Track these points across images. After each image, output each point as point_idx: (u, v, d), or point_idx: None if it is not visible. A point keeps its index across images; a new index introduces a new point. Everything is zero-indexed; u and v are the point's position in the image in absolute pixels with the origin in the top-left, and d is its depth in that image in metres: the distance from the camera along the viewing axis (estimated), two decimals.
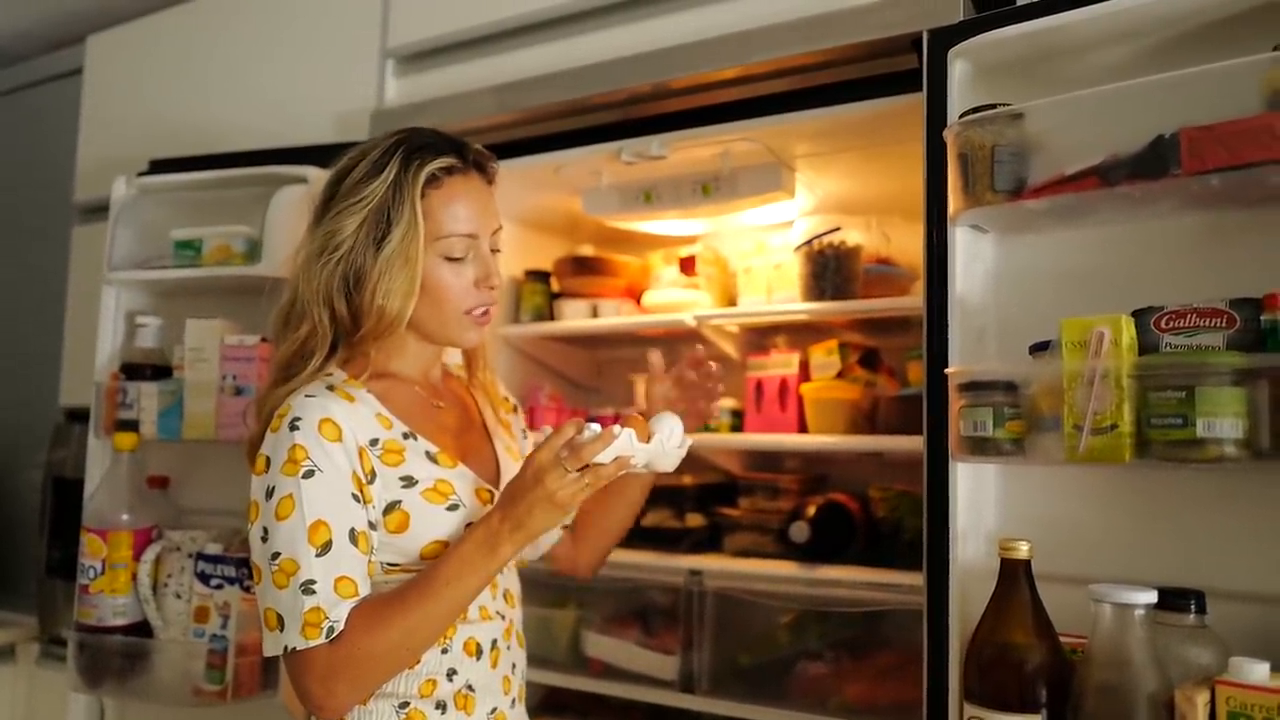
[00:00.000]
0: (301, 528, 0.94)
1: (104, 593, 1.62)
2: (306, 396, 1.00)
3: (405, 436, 1.04)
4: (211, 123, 2.07)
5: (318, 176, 1.73)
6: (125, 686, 1.64)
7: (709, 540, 1.76)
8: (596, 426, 0.97)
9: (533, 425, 1.90)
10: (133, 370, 1.78)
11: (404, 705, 1.01)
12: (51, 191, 2.43)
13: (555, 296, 2.02)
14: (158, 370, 1.78)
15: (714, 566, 1.64)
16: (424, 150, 1.03)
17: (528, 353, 2.07)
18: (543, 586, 1.65)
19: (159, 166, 1.91)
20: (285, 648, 0.94)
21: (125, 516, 1.65)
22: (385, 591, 0.99)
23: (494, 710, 1.07)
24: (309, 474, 0.96)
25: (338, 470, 0.97)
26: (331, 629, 0.94)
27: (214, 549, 1.63)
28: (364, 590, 0.97)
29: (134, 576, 1.64)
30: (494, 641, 1.07)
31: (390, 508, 1.01)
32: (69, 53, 2.49)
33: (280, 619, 0.94)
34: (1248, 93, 0.96)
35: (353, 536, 0.97)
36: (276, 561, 0.95)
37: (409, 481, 1.02)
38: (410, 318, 1.04)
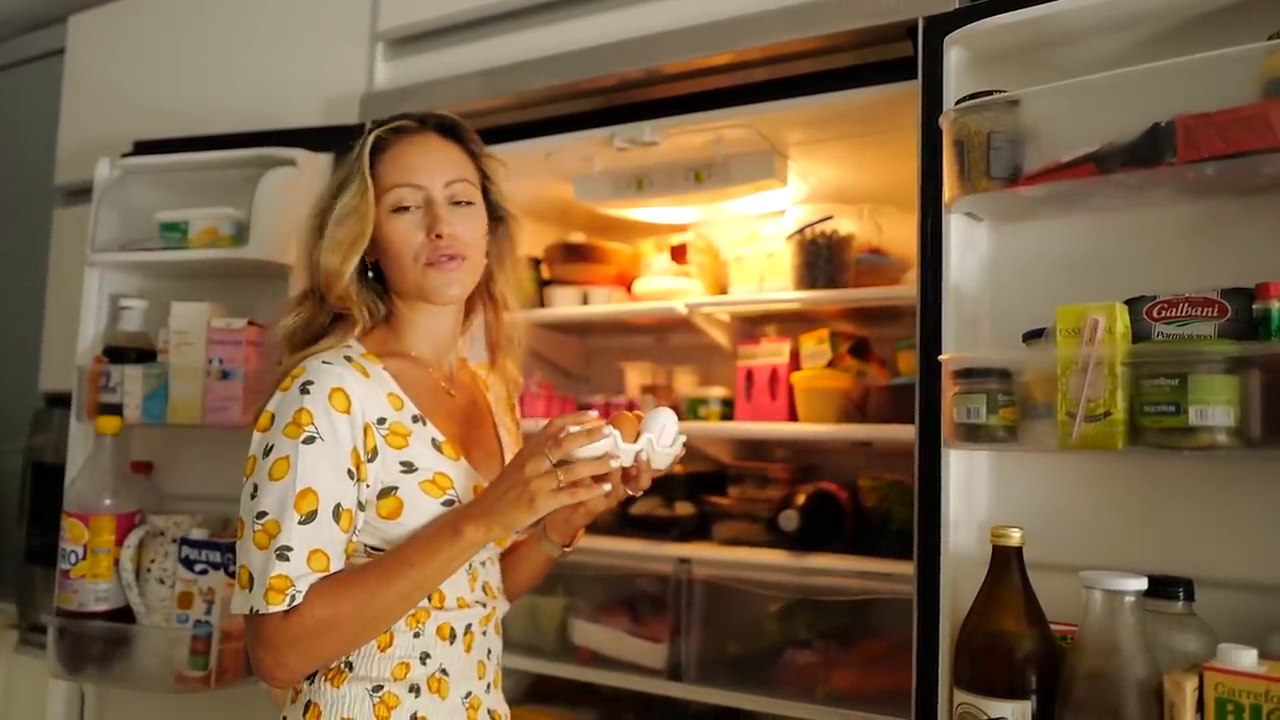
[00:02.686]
0: (291, 492, 0.94)
1: (85, 578, 1.60)
2: (324, 363, 1.00)
3: (414, 420, 1.03)
4: (197, 105, 2.04)
5: (307, 159, 1.71)
6: (106, 673, 1.62)
7: (698, 529, 1.76)
8: (594, 413, 0.96)
9: (522, 414, 1.89)
10: (116, 353, 1.76)
11: (378, 689, 1.00)
12: (32, 174, 2.39)
13: (545, 284, 2.01)
14: (142, 354, 1.75)
15: (703, 555, 1.64)
16: (383, 123, 1.10)
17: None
18: None
19: (143, 148, 1.88)
20: (250, 609, 0.93)
21: (108, 501, 1.63)
22: (348, 568, 0.98)
23: (468, 695, 1.06)
24: (309, 440, 0.95)
25: (338, 442, 0.96)
26: (293, 598, 0.93)
27: (199, 534, 1.62)
28: (335, 567, 0.96)
29: (116, 562, 1.62)
30: (468, 627, 1.07)
31: (386, 492, 1.00)
32: (50, 32, 2.45)
33: (252, 578, 0.94)
34: (1243, 81, 0.96)
35: (336, 512, 0.96)
36: (261, 521, 0.94)
37: (409, 467, 1.01)
38: (391, 283, 1.09)
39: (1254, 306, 0.96)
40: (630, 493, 1.04)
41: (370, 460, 0.99)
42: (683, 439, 1.05)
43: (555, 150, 1.67)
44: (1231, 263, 1.04)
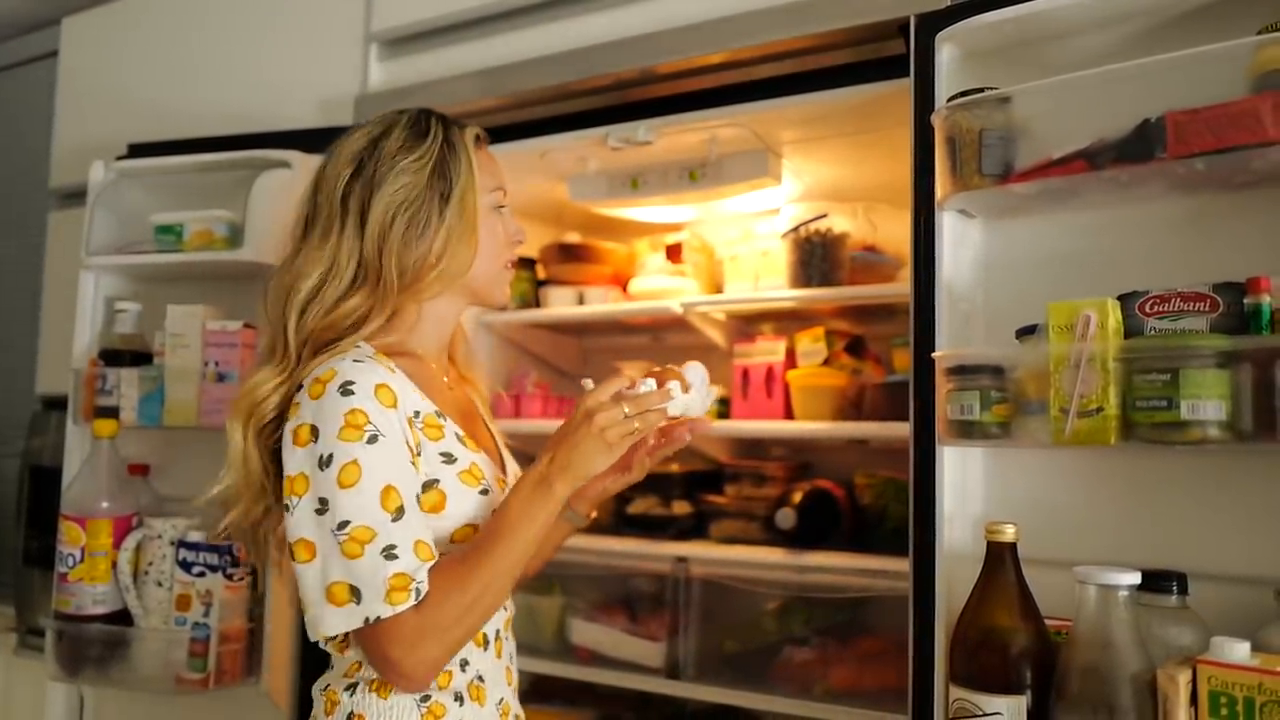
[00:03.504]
0: (373, 494, 0.91)
1: (83, 581, 1.60)
2: (355, 361, 0.96)
3: (437, 414, 1.02)
4: (191, 107, 2.04)
5: (301, 161, 1.71)
6: (105, 675, 1.62)
7: (695, 527, 1.76)
8: (651, 382, 1.01)
9: (517, 413, 1.89)
10: (112, 356, 1.76)
11: (425, 698, 0.98)
12: (28, 177, 2.39)
13: (541, 284, 2.01)
14: (138, 356, 1.75)
15: (700, 553, 1.65)
16: (454, 121, 1.08)
17: (514, 340, 2.06)
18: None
19: (138, 151, 1.88)
20: (367, 619, 0.89)
21: (105, 504, 1.63)
22: (451, 553, 0.97)
23: (500, 700, 1.05)
24: (373, 439, 0.92)
25: (397, 437, 0.94)
26: (418, 591, 0.91)
27: (196, 537, 1.62)
28: (436, 555, 0.95)
29: (114, 564, 1.62)
30: (497, 632, 1.06)
31: (429, 485, 0.98)
32: (44, 35, 2.44)
33: (355, 590, 0.89)
34: (1232, 77, 0.97)
35: (417, 503, 0.95)
36: (344, 531, 0.90)
37: (449, 458, 1.00)
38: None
39: (1245, 301, 0.96)
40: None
41: (417, 454, 0.97)
42: (715, 390, 1.10)
43: (550, 150, 1.67)
44: (1223, 257, 1.04)
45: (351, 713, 0.97)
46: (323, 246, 1.01)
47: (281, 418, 0.98)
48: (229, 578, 1.59)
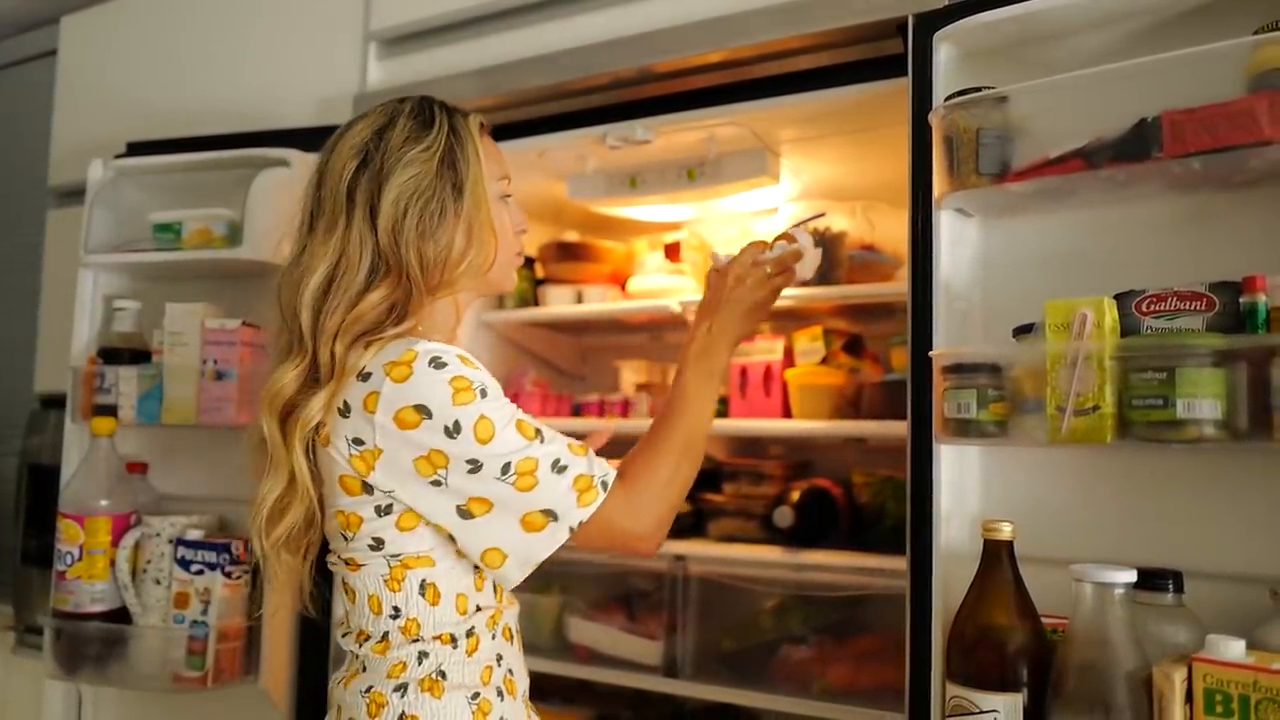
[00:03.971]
0: (512, 432, 0.94)
1: (81, 579, 1.61)
2: (424, 341, 0.95)
3: None
4: (190, 105, 2.04)
5: (300, 159, 1.71)
6: (103, 673, 1.62)
7: (693, 525, 1.76)
8: (784, 245, 1.18)
9: None
10: (111, 354, 1.76)
11: (475, 696, 0.99)
12: (27, 175, 2.39)
13: (540, 283, 2.01)
14: (136, 354, 1.76)
15: (698, 552, 1.65)
16: (457, 110, 1.08)
17: (512, 339, 2.06)
18: None
19: (136, 149, 1.88)
20: (570, 529, 0.94)
21: (104, 502, 1.63)
22: (644, 436, 1.06)
23: (525, 693, 1.08)
24: (484, 393, 0.94)
25: (497, 386, 0.97)
26: (604, 483, 0.96)
27: (194, 535, 1.62)
28: (588, 447, 0.99)
29: (112, 563, 1.62)
30: (518, 626, 1.09)
31: None
32: (43, 34, 2.44)
33: (548, 512, 0.94)
34: (1229, 76, 0.97)
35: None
36: (509, 473, 0.92)
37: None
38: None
39: (1241, 300, 0.96)
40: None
41: None
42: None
43: (548, 149, 1.67)
44: (1219, 257, 1.05)
45: (404, 713, 0.96)
46: (328, 240, 1.00)
47: (297, 407, 0.98)
48: (227, 576, 1.59)
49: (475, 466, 0.92)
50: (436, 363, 0.93)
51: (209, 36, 2.07)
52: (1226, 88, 0.96)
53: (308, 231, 1.03)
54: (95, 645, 1.62)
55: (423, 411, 0.92)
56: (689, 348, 1.11)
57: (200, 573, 1.59)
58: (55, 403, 1.95)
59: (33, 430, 2.10)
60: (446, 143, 1.02)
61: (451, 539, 0.97)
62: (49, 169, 2.28)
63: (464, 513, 0.94)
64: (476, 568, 1.00)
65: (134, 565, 1.63)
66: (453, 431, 0.92)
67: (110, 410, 1.70)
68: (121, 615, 1.63)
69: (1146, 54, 1.01)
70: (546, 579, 1.75)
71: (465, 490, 0.93)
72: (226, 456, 1.79)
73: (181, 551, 1.61)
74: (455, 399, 0.92)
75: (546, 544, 0.95)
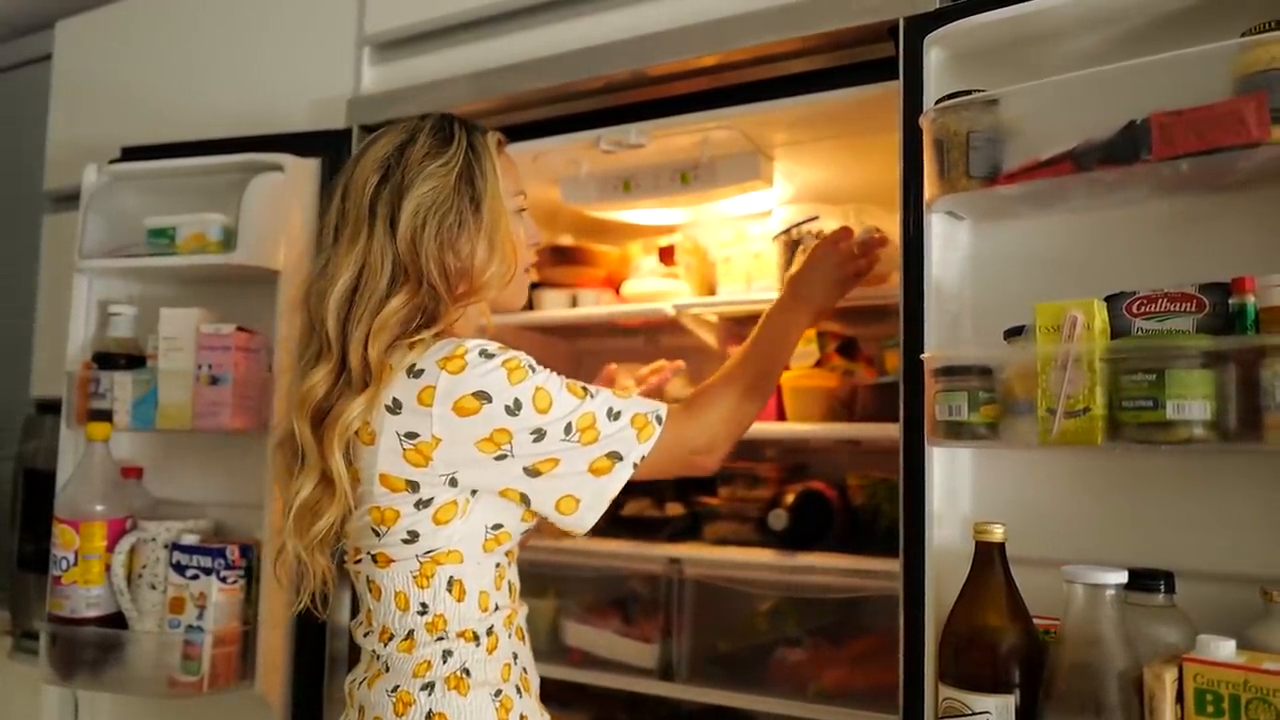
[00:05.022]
0: (566, 395, 1.01)
1: (77, 584, 1.60)
2: (469, 339, 1.02)
3: None
4: (185, 110, 2.04)
5: (294, 164, 1.71)
6: (99, 678, 1.62)
7: (688, 529, 1.76)
8: (871, 226, 1.32)
9: None
10: (106, 359, 1.76)
11: (497, 693, 1.03)
12: (22, 180, 2.39)
13: (534, 286, 2.01)
14: (131, 360, 1.75)
15: (693, 555, 1.65)
16: (476, 125, 1.13)
17: (507, 343, 2.05)
18: (522, 577, 1.65)
19: (131, 153, 1.88)
20: (635, 464, 1.02)
21: (99, 507, 1.63)
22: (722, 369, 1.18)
23: (538, 692, 1.12)
24: (533, 368, 1.01)
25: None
26: (659, 417, 1.04)
27: (190, 539, 1.62)
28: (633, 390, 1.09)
29: (108, 567, 1.62)
30: (527, 628, 1.13)
31: None
32: (37, 38, 2.45)
33: (612, 454, 1.01)
34: (1217, 78, 0.97)
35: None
36: (572, 431, 1.00)
37: None
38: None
39: (1230, 301, 0.96)
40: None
41: None
42: None
43: (542, 153, 1.67)
44: (1209, 258, 1.05)
45: (431, 711, 0.99)
46: (352, 250, 1.05)
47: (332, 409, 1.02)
48: (223, 580, 1.59)
49: (539, 434, 0.99)
50: (485, 354, 1.00)
51: (204, 41, 2.07)
52: (1214, 89, 0.96)
53: (332, 243, 1.08)
54: (91, 650, 1.61)
55: (483, 397, 0.98)
56: (776, 307, 1.24)
57: (196, 577, 1.59)
58: (51, 408, 1.94)
59: (28, 435, 2.10)
60: (465, 158, 1.08)
61: (491, 529, 1.03)
62: (44, 174, 2.28)
63: (532, 472, 1.01)
64: (498, 565, 1.06)
65: (129, 570, 1.63)
66: (514, 409, 0.98)
67: (105, 415, 1.70)
68: (117, 620, 1.63)
69: (1136, 56, 1.01)
70: (542, 582, 1.75)
71: (532, 454, 1.00)
72: (222, 461, 1.81)
73: (177, 556, 1.61)
74: (510, 379, 0.99)
75: (615, 483, 1.02)
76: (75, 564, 1.60)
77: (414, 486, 1.00)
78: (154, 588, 1.62)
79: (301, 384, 1.04)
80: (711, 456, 1.13)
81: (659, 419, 1.05)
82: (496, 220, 1.08)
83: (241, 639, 1.63)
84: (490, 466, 0.99)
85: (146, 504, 1.75)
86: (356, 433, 1.00)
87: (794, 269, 1.29)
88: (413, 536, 1.01)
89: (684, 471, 1.13)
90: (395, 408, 0.99)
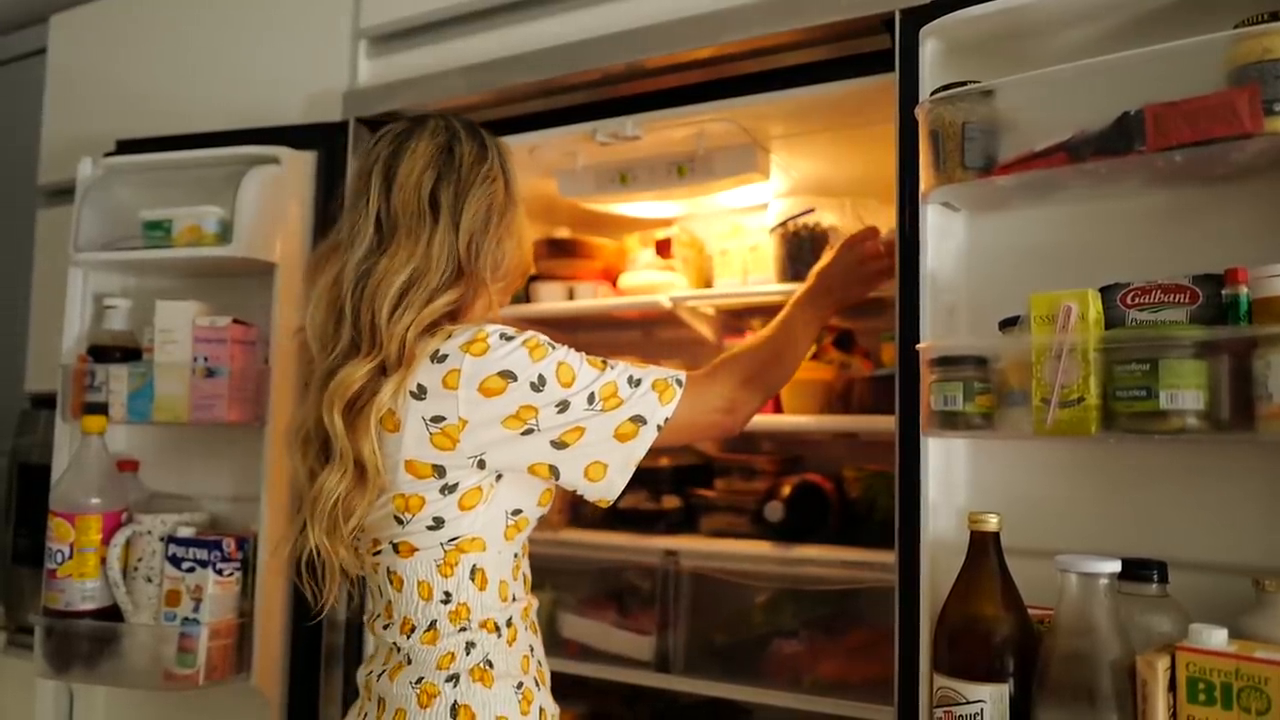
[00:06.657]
0: (587, 367, 1.04)
1: (72, 577, 1.60)
2: (488, 324, 1.05)
3: None
4: (180, 103, 2.04)
5: (290, 157, 1.71)
6: (94, 672, 1.62)
7: (685, 521, 1.77)
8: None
9: None
10: (101, 353, 1.75)
11: (519, 685, 1.04)
12: (15, 174, 2.38)
13: (531, 279, 2.01)
14: (127, 353, 1.75)
15: (690, 547, 1.65)
16: (480, 127, 1.19)
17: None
18: None
19: (126, 147, 1.87)
20: (659, 426, 1.04)
21: (94, 500, 1.62)
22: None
23: (550, 683, 1.13)
24: (552, 345, 1.05)
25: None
26: (679, 380, 1.07)
27: (186, 532, 1.62)
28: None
29: (103, 560, 1.62)
30: (538, 620, 1.15)
31: None
32: (32, 32, 2.44)
33: (636, 418, 1.03)
34: (1211, 69, 0.97)
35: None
36: (595, 400, 1.02)
37: None
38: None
39: (1223, 292, 0.97)
40: None
41: None
42: None
43: (539, 146, 1.67)
44: (1202, 249, 1.05)
45: (455, 703, 1.00)
46: (412, 246, 1.06)
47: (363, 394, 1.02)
48: (219, 573, 1.59)
49: (564, 406, 1.01)
50: (505, 336, 1.03)
51: (199, 34, 2.06)
52: (1208, 81, 0.97)
53: (376, 236, 1.08)
54: (86, 643, 1.61)
55: (507, 376, 1.00)
56: (800, 294, 1.27)
57: (191, 570, 1.59)
58: (46, 402, 1.94)
59: (23, 429, 2.09)
60: (502, 162, 1.15)
61: (512, 514, 1.06)
62: (38, 167, 2.27)
63: (559, 444, 1.02)
64: (515, 555, 1.08)
65: (125, 563, 1.63)
66: (538, 385, 1.01)
67: (101, 408, 1.70)
68: (113, 613, 1.63)
69: (1130, 48, 1.01)
70: (538, 575, 1.74)
71: (557, 426, 1.02)
72: (218, 454, 1.80)
73: (173, 549, 1.61)
74: (532, 356, 1.02)
75: (641, 446, 1.05)
76: (71, 557, 1.60)
77: (440, 471, 1.01)
78: (150, 580, 1.62)
79: (340, 376, 1.03)
80: (732, 417, 1.16)
81: (679, 382, 1.08)
82: (521, 220, 1.16)
83: (237, 632, 1.63)
84: (518, 443, 1.01)
85: (142, 497, 1.75)
86: (381, 420, 1.01)
87: (821, 263, 1.33)
88: (438, 523, 1.02)
89: (707, 434, 1.19)
90: (420, 393, 1.00)
